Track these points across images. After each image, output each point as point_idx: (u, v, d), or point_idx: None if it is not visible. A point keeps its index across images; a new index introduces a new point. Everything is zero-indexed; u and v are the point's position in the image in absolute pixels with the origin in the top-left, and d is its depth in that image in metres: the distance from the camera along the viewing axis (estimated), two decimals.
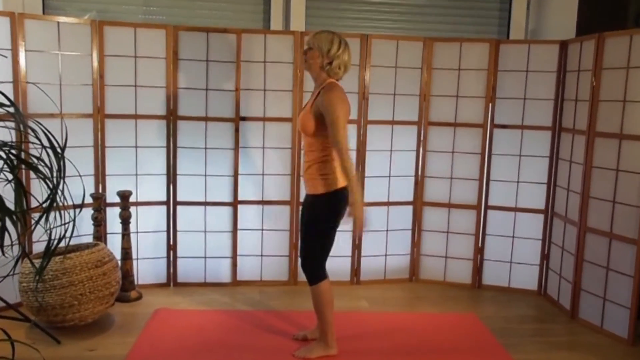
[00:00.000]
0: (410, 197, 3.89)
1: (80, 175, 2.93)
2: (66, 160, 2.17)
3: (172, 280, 3.71)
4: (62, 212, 2.15)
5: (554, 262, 3.66)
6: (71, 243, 2.88)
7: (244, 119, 3.61)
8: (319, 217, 2.68)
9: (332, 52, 2.59)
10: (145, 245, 3.63)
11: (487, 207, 3.81)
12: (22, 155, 2.41)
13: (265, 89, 3.62)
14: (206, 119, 3.58)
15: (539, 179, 3.71)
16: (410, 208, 3.90)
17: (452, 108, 3.79)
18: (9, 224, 2.06)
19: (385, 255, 3.90)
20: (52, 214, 2.02)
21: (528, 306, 3.58)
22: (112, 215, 3.52)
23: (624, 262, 3.06)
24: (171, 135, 3.57)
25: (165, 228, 3.66)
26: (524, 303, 3.63)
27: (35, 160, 2.11)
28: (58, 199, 2.04)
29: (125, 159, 3.53)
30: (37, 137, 2.06)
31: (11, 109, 2.14)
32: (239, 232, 3.70)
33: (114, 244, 3.49)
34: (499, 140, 3.74)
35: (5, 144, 2.05)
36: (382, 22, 4.31)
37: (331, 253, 2.74)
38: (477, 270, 3.87)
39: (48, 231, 2.08)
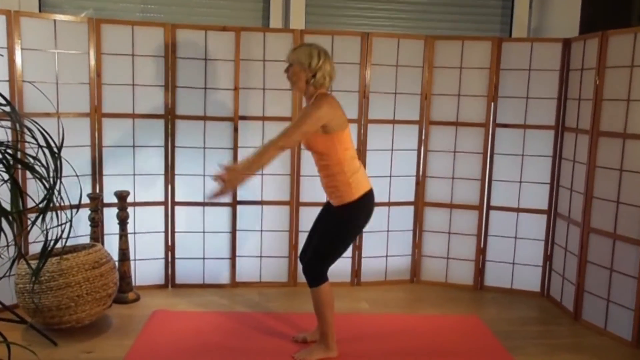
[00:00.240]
0: (411, 197, 3.86)
1: (77, 175, 2.92)
2: (63, 160, 2.16)
3: (170, 282, 3.68)
4: (58, 212, 2.14)
5: (557, 263, 3.63)
6: (68, 244, 2.88)
7: (243, 118, 3.58)
8: (343, 223, 2.65)
9: (312, 64, 2.55)
10: (143, 246, 3.60)
11: (489, 207, 3.78)
12: (19, 154, 2.40)
13: (264, 88, 3.59)
14: (205, 118, 3.55)
15: (542, 179, 3.68)
16: (411, 208, 3.87)
17: (453, 107, 3.76)
18: (5, 224, 2.05)
19: (386, 256, 3.87)
20: (48, 215, 2.01)
21: (531, 308, 3.56)
22: (110, 216, 3.48)
23: (628, 264, 3.03)
24: (169, 135, 3.54)
25: (163, 229, 3.62)
26: (527, 305, 3.60)
27: (32, 160, 2.10)
28: (55, 199, 2.03)
29: (123, 158, 3.49)
30: (33, 137, 2.05)
31: (7, 108, 2.12)
32: (237, 232, 3.67)
33: (112, 245, 3.46)
34: (501, 139, 3.72)
35: (1, 143, 2.03)
36: (382, 20, 4.29)
37: None
38: (479, 271, 3.84)
39: (44, 232, 2.07)
